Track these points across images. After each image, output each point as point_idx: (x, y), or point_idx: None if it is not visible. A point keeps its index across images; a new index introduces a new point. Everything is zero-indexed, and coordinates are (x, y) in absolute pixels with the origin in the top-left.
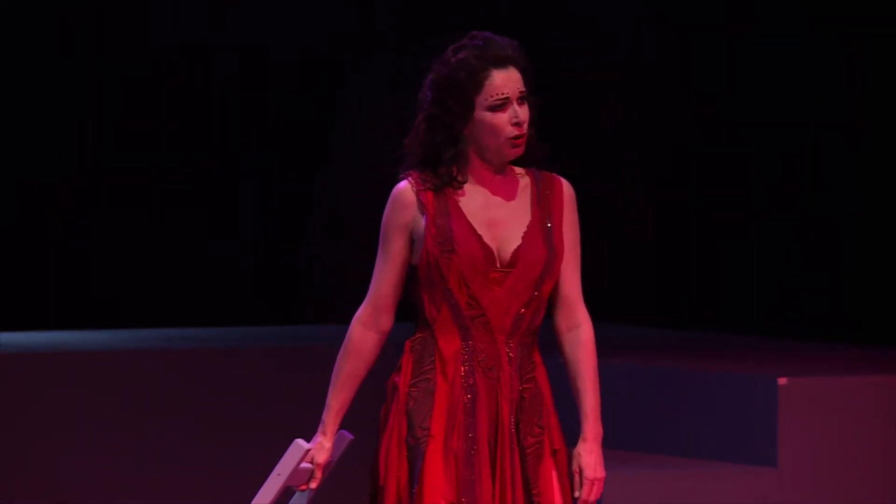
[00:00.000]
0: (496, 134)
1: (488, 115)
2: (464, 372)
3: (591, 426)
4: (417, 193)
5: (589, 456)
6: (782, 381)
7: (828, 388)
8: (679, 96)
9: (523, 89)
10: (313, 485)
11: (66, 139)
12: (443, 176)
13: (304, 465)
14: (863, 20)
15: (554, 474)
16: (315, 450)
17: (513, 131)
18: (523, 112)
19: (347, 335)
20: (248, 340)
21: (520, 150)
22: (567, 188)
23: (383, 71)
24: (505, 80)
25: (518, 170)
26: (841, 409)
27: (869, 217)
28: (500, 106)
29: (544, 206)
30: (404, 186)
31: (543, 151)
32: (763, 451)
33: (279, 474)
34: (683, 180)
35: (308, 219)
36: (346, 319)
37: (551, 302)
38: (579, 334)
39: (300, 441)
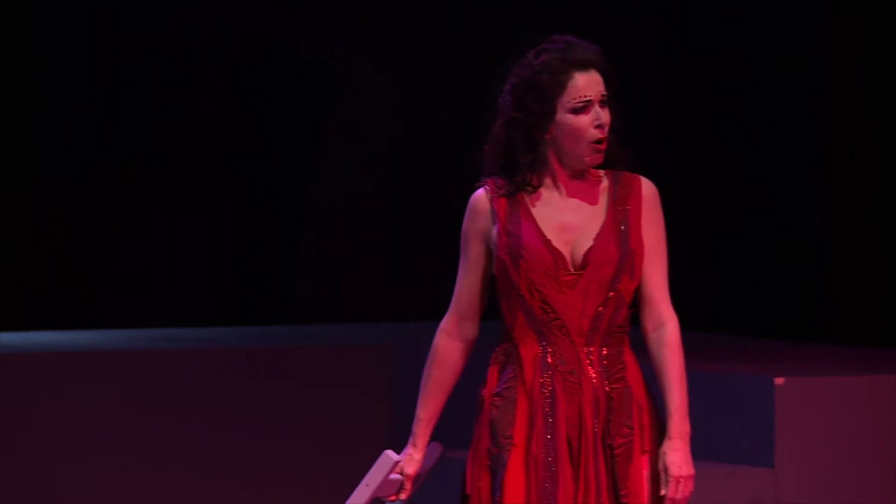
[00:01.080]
0: (578, 137)
1: (570, 118)
2: (542, 377)
3: (677, 424)
4: (491, 201)
5: (674, 454)
6: (779, 381)
7: (824, 388)
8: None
9: (605, 93)
10: (403, 496)
11: (54, 138)
12: (518, 182)
13: (394, 476)
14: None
15: (646, 475)
16: (405, 461)
17: (595, 134)
18: (605, 115)
19: (433, 345)
20: (229, 340)
21: (600, 158)
22: (647, 187)
23: (368, 69)
24: (588, 83)
25: (597, 172)
26: (837, 409)
27: (857, 218)
28: (583, 108)
29: (620, 207)
30: (479, 195)
31: (625, 154)
32: (760, 451)
33: (367, 485)
34: (676, 179)
35: (291, 219)
36: (327, 320)
37: (636, 302)
38: (664, 333)
39: (389, 452)
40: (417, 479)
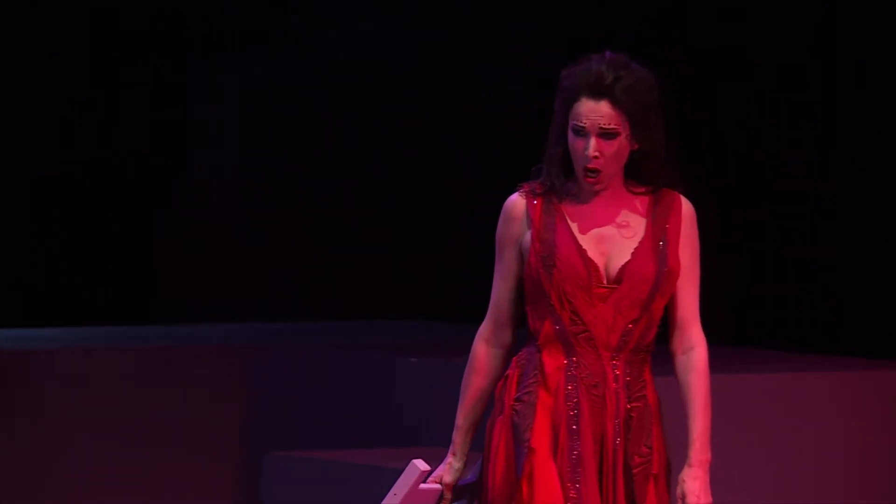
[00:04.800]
0: (575, 157)
1: (571, 136)
2: (567, 388)
3: (698, 452)
4: (527, 205)
5: (693, 482)
6: None
7: (744, 386)
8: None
9: (609, 126)
10: None
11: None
12: (549, 181)
13: (431, 486)
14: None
15: (654, 499)
16: (444, 470)
17: (585, 161)
18: (606, 147)
19: (471, 352)
20: (87, 341)
21: (594, 183)
22: (687, 207)
23: (231, 70)
24: (589, 111)
25: (637, 186)
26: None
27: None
28: (578, 133)
29: (659, 224)
30: (515, 199)
31: (669, 174)
32: None
33: (395, 494)
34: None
35: (162, 216)
36: (197, 320)
37: (667, 323)
38: (692, 357)
39: (416, 461)
40: (465, 489)
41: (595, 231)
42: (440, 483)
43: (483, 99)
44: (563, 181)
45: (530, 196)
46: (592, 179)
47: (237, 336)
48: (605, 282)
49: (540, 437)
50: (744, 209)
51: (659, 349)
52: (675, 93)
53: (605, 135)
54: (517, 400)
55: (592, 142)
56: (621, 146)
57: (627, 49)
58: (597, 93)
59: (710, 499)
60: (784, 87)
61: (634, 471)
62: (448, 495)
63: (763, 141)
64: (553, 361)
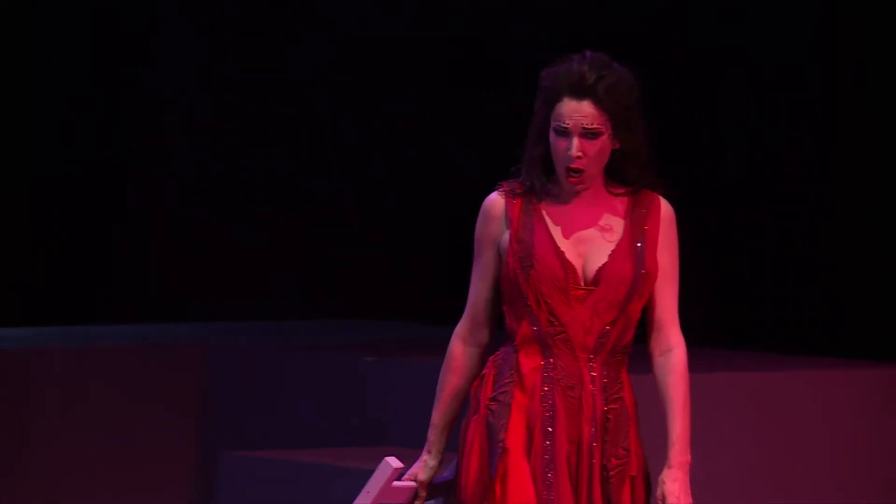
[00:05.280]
0: (557, 157)
1: (553, 137)
2: (543, 389)
3: (678, 453)
4: (506, 205)
5: (673, 484)
6: None
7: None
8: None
9: (591, 126)
10: (417, 503)
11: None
12: (528, 182)
13: (405, 483)
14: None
15: (629, 501)
16: (419, 468)
17: (568, 161)
18: (588, 147)
19: (448, 351)
20: (34, 340)
21: (576, 183)
22: (666, 209)
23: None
24: (572, 111)
25: (617, 187)
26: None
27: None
28: (561, 133)
29: (638, 226)
30: (494, 198)
31: (650, 175)
32: None
33: (368, 491)
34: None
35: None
36: (144, 320)
37: (645, 324)
38: (671, 359)
39: (389, 459)
40: (438, 487)
41: (573, 232)
42: (415, 481)
43: (483, 99)
44: (544, 181)
45: (510, 196)
46: (575, 179)
47: (195, 335)
48: (582, 283)
49: (514, 438)
50: (744, 209)
51: (637, 350)
52: (675, 93)
53: (588, 135)
54: (492, 399)
55: (575, 142)
56: (604, 146)
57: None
58: (579, 92)
59: (690, 500)
60: (784, 86)
61: (611, 472)
62: (423, 493)
63: (763, 141)
64: (529, 362)
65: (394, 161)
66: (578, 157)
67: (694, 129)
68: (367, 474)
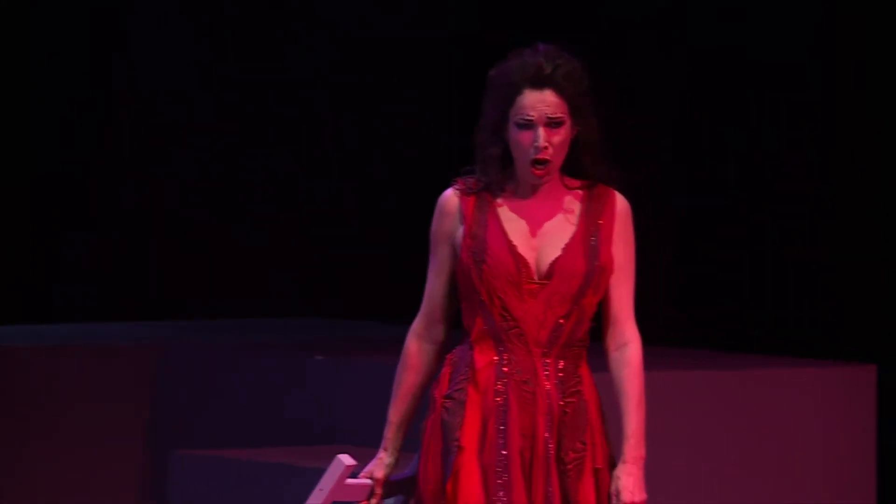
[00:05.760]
0: (519, 151)
1: (515, 131)
2: (497, 385)
3: (633, 448)
4: (460, 201)
5: (627, 479)
6: None
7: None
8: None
9: (555, 115)
10: (373, 501)
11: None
12: (489, 179)
13: (360, 480)
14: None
15: (593, 493)
16: (374, 465)
17: (534, 152)
18: (553, 137)
19: (404, 348)
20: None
21: (543, 175)
22: (621, 203)
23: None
24: (534, 102)
25: (572, 181)
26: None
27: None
28: (525, 126)
29: (592, 220)
30: (448, 194)
31: (607, 169)
32: None
33: (321, 490)
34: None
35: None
36: (94, 318)
37: (601, 320)
38: (626, 353)
39: (341, 456)
40: (397, 485)
41: (527, 227)
42: (371, 478)
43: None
44: (500, 178)
45: (464, 192)
46: (541, 171)
47: (149, 335)
48: (536, 277)
49: (469, 436)
50: (744, 209)
51: (594, 346)
52: (675, 92)
53: (553, 124)
54: (447, 397)
55: (541, 132)
56: (566, 135)
57: (628, 49)
58: (539, 83)
59: (644, 496)
60: (784, 86)
61: (568, 466)
62: (378, 490)
63: (763, 141)
64: (484, 358)
65: (394, 161)
66: (545, 148)
67: (693, 128)
68: (316, 472)
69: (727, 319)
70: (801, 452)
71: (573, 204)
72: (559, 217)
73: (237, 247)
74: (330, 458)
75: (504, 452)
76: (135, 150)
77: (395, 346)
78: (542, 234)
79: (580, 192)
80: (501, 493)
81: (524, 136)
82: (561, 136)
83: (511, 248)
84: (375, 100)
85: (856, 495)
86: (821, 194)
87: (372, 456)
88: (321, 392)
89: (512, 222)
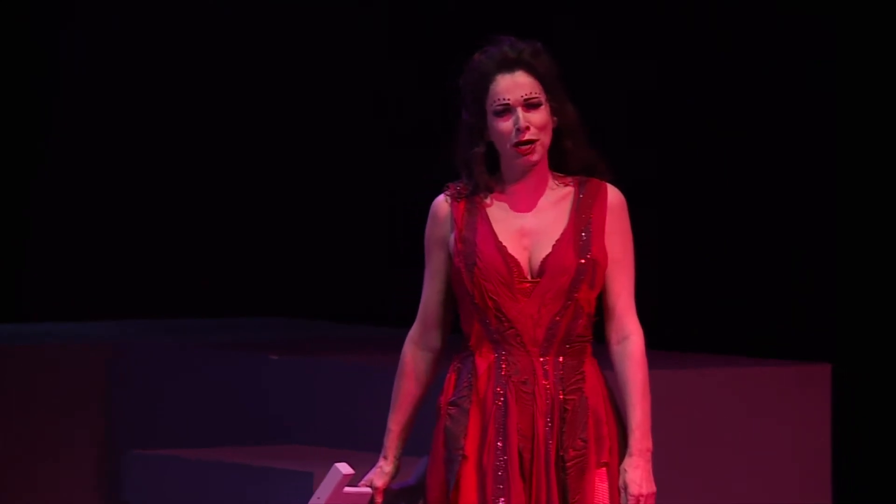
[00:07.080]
0: (502, 140)
1: (493, 120)
2: (496, 388)
3: (638, 441)
4: (451, 206)
5: (634, 471)
6: None
7: None
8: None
9: (531, 95)
10: None
11: None
12: (477, 182)
13: (360, 489)
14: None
15: (601, 488)
16: (375, 474)
17: (517, 135)
18: (533, 118)
19: (401, 356)
20: None
21: (530, 158)
22: (613, 195)
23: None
24: (508, 86)
25: (562, 178)
26: None
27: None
28: (503, 112)
29: (583, 215)
30: (439, 201)
31: (591, 158)
32: None
33: (319, 497)
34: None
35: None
36: (70, 318)
37: (602, 314)
38: (627, 346)
39: (338, 465)
40: (399, 494)
41: (517, 225)
42: (370, 486)
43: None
44: (488, 179)
45: (455, 197)
46: (527, 150)
47: (103, 333)
48: (528, 276)
49: (472, 443)
50: (743, 209)
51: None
52: (675, 92)
53: (530, 105)
54: (451, 404)
55: (520, 113)
56: (546, 117)
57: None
58: (508, 65)
59: (653, 487)
60: (784, 86)
61: (568, 464)
62: (378, 499)
63: (763, 141)
64: (484, 361)
65: (394, 161)
66: (527, 128)
67: (693, 128)
68: (271, 472)
69: (680, 319)
70: (757, 451)
71: (564, 200)
72: (550, 214)
73: (236, 247)
74: (282, 457)
75: (504, 458)
76: (86, 148)
77: (352, 345)
78: (532, 232)
79: (571, 187)
80: (501, 500)
81: (504, 123)
82: (540, 116)
83: (500, 248)
84: (374, 99)
85: (811, 493)
86: (773, 194)
87: (326, 456)
88: (277, 391)
89: (501, 223)
